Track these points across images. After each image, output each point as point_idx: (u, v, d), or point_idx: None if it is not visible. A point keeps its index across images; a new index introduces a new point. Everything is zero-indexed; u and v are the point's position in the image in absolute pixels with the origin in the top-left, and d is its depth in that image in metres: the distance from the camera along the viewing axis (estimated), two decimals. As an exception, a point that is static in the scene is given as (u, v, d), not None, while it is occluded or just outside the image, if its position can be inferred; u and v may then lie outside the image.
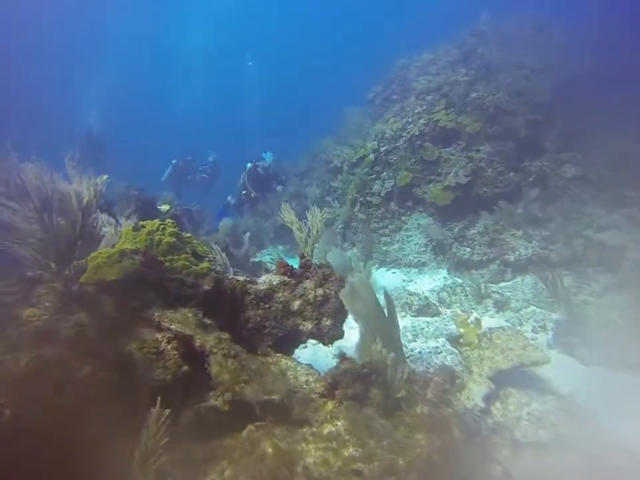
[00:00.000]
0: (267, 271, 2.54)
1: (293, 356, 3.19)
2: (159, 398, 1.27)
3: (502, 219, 6.36)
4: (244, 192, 8.94)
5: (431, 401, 1.68)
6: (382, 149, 8.60)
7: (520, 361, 2.42)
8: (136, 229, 2.13)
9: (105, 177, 2.84)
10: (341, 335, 2.34)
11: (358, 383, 1.57)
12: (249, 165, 8.95)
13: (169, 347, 1.55)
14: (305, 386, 1.68)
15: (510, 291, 5.34)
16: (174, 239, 2.17)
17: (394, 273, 6.77)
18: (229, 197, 9.60)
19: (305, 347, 3.60)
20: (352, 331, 4.87)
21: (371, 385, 1.59)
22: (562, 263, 5.28)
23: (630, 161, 6.66)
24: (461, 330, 3.03)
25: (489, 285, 5.49)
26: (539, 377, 2.46)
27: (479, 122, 7.59)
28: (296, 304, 2.29)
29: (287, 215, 2.80)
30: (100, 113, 13.54)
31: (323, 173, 10.47)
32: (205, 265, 2.20)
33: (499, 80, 8.34)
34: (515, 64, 8.56)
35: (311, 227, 2.77)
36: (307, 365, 2.15)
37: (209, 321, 1.95)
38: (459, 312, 4.62)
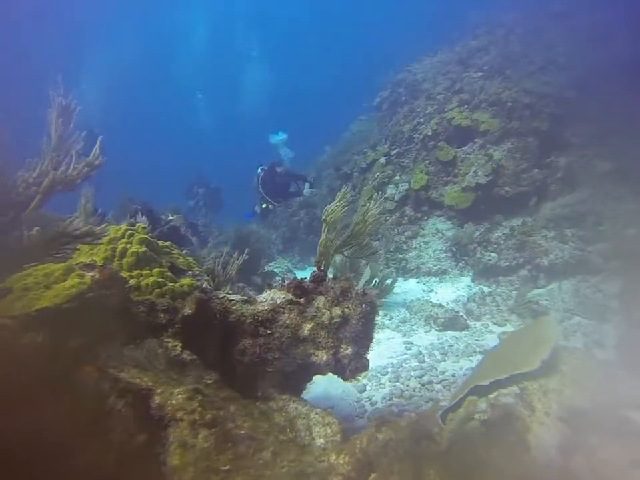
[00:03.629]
0: (270, 286, 2.02)
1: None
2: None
3: (530, 219, 5.78)
4: (263, 205, 7.52)
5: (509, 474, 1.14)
6: (393, 152, 8.16)
7: (601, 398, 1.85)
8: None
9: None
10: (366, 367, 1.81)
11: (405, 464, 1.04)
12: (260, 170, 7.45)
13: (121, 405, 1.05)
14: (321, 457, 1.15)
15: (547, 300, 4.73)
16: (144, 248, 1.69)
17: (412, 282, 6.21)
18: (256, 207, 8.00)
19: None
20: (370, 350, 4.35)
21: (423, 461, 1.06)
22: (607, 266, 4.66)
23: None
24: (512, 352, 2.48)
25: (524, 292, 4.89)
26: (627, 418, 1.88)
27: (496, 118, 7.08)
28: (306, 328, 1.77)
29: (335, 205, 2.02)
30: (102, 110, 12.82)
31: (332, 180, 10.07)
32: (186, 281, 1.71)
33: (517, 74, 7.86)
34: (533, 56, 8.07)
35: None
36: (323, 410, 1.61)
37: (189, 357, 1.44)
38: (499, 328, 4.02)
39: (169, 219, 7.29)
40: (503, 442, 1.37)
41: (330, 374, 2.00)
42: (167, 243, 1.97)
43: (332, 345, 1.76)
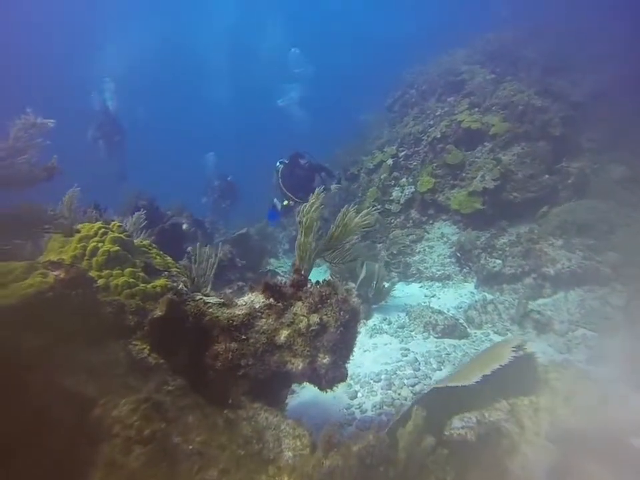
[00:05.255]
0: (253, 288, 1.96)
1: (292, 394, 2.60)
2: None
3: (540, 226, 5.62)
4: (284, 203, 6.73)
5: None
6: (401, 154, 8.05)
7: (598, 420, 1.74)
8: (67, 234, 1.63)
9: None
10: (343, 377, 1.74)
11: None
12: (279, 164, 6.71)
13: (60, 417, 0.99)
14: (275, 477, 1.09)
15: (552, 310, 4.58)
16: (116, 247, 1.65)
17: (415, 286, 6.10)
18: (275, 200, 7.22)
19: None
20: (366, 355, 4.26)
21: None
22: (617, 277, 4.49)
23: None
24: (504, 366, 2.37)
25: (526, 302, 4.74)
26: (628, 445, 1.76)
27: (506, 122, 6.92)
28: (283, 334, 1.71)
29: (309, 207, 1.95)
30: (117, 91, 12.08)
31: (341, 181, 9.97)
32: (160, 282, 1.66)
33: (530, 77, 7.68)
34: (547, 60, 7.87)
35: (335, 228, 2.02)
36: (295, 421, 1.55)
37: (154, 361, 1.39)
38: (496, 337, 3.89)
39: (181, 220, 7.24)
40: (479, 463, 1.29)
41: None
42: (146, 242, 1.93)
43: (309, 353, 1.69)
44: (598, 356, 3.54)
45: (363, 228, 1.88)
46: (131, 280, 1.62)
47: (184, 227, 6.19)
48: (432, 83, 9.45)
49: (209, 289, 2.02)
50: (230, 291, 5.09)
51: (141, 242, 1.92)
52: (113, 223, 1.81)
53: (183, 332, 1.61)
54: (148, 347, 1.44)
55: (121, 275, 1.62)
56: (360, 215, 1.89)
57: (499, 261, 5.41)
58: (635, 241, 5.08)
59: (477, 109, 7.49)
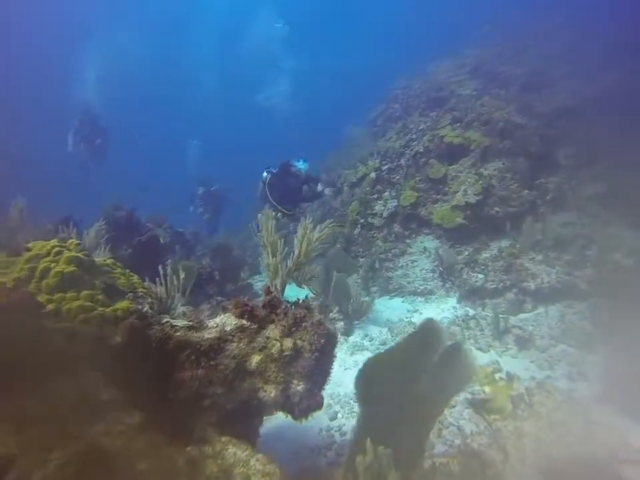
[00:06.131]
0: (225, 309, 1.85)
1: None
2: None
3: (518, 241, 5.67)
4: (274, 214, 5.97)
5: None
6: (384, 168, 8.07)
7: (584, 447, 1.68)
8: (12, 253, 1.50)
9: None
10: (318, 406, 1.63)
11: None
12: (266, 174, 6.24)
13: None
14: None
15: (533, 325, 4.59)
16: (72, 268, 1.52)
17: (397, 301, 6.05)
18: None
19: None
20: (347, 373, 4.15)
21: None
22: (594, 292, 4.54)
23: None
24: (486, 389, 2.30)
25: (507, 317, 4.74)
26: (617, 475, 1.70)
27: (487, 137, 7.04)
28: (255, 360, 1.60)
29: (265, 228, 1.98)
30: (100, 90, 11.60)
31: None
32: (122, 304, 1.54)
33: (509, 94, 7.89)
34: (526, 76, 8.12)
35: (298, 250, 2.03)
36: (265, 456, 1.43)
37: (108, 396, 1.26)
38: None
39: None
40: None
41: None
42: (109, 261, 1.79)
43: (282, 379, 1.58)
44: (578, 373, 3.53)
45: (322, 244, 1.83)
46: (88, 304, 1.48)
47: (162, 240, 6.01)
48: (415, 98, 9.62)
49: (177, 310, 1.90)
50: (209, 306, 4.93)
51: (104, 260, 1.78)
52: (70, 240, 1.67)
53: (145, 359, 1.48)
54: (103, 379, 1.31)
55: (75, 298, 1.48)
56: (318, 228, 1.83)
57: (481, 276, 5.42)
58: (609, 257, 5.19)
59: (458, 124, 7.61)
